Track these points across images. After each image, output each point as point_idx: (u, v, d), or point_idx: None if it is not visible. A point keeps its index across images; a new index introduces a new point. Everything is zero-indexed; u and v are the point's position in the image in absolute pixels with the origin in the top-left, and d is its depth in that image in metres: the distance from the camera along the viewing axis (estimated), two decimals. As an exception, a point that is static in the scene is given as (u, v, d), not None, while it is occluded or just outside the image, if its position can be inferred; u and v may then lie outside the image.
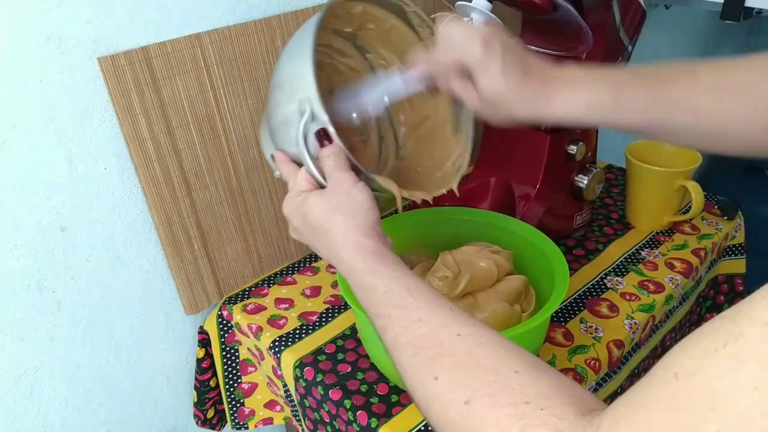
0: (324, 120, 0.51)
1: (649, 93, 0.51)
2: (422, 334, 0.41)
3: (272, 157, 0.57)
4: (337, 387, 0.69)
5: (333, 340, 0.76)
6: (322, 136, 0.51)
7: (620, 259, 0.86)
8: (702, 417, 0.25)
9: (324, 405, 0.70)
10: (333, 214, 0.49)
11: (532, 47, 0.80)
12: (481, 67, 0.51)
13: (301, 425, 0.78)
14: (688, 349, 0.27)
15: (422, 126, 0.69)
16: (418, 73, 0.56)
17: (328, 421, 0.71)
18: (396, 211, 0.61)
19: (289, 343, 0.76)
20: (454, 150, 0.67)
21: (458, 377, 0.37)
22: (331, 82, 0.67)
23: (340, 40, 0.65)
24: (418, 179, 0.67)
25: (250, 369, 0.86)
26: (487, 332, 0.40)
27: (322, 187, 0.53)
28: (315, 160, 0.52)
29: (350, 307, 0.75)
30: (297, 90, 0.52)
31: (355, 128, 0.70)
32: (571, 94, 0.52)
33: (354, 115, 0.70)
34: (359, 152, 0.70)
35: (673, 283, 0.81)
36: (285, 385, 0.78)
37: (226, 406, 0.88)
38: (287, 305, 0.83)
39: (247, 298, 0.85)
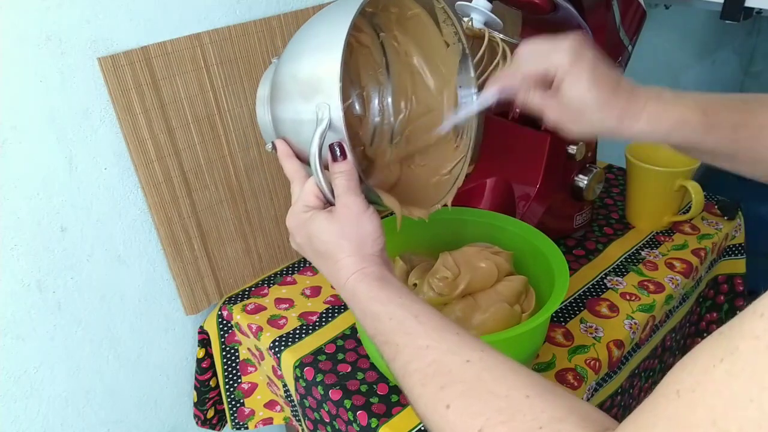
0: (342, 136, 0.49)
1: (738, 115, 0.51)
2: (430, 361, 0.40)
3: (273, 144, 0.55)
4: (337, 387, 0.69)
5: (333, 340, 0.76)
6: (337, 151, 0.49)
7: (620, 259, 0.86)
8: None
9: (324, 405, 0.70)
10: (339, 241, 0.48)
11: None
12: (570, 76, 0.50)
13: (301, 425, 0.78)
14: (687, 366, 0.28)
15: (422, 118, 0.67)
16: (498, 88, 0.54)
17: (328, 421, 0.71)
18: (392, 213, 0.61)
19: (289, 343, 0.76)
20: (452, 155, 0.65)
21: (470, 405, 0.37)
22: None
23: (358, 17, 0.64)
24: (411, 177, 0.66)
25: (250, 369, 0.86)
26: (495, 356, 0.39)
27: (329, 201, 0.51)
28: (324, 170, 0.50)
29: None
30: (318, 92, 0.49)
31: (354, 104, 0.69)
32: (661, 110, 0.51)
33: (355, 97, 0.69)
34: (354, 128, 0.68)
35: (673, 283, 0.81)
36: (285, 385, 0.78)
37: (226, 406, 0.88)
38: (287, 305, 0.83)
39: (247, 298, 0.85)
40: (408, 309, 0.44)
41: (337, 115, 0.49)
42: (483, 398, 0.37)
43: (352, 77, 0.68)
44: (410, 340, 0.42)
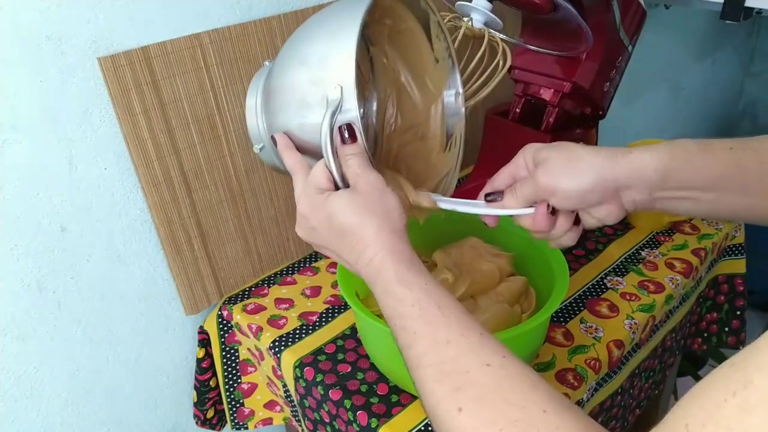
0: (354, 116, 0.48)
1: (731, 142, 0.49)
2: (449, 357, 0.39)
3: (272, 138, 0.54)
4: (337, 387, 0.69)
5: (333, 340, 0.76)
6: (347, 133, 0.48)
7: (620, 259, 0.86)
8: None
9: (324, 405, 0.70)
10: (366, 216, 0.46)
11: (532, 47, 0.79)
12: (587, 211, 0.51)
13: (300, 426, 0.78)
14: (698, 399, 0.27)
15: (408, 132, 0.66)
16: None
17: (328, 421, 0.71)
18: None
19: (289, 343, 0.76)
20: (439, 169, 0.64)
21: (483, 412, 0.36)
22: None
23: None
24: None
25: (250, 369, 0.86)
26: (516, 364, 0.38)
27: (337, 185, 0.49)
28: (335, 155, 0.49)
29: (350, 307, 0.75)
30: (328, 73, 0.48)
31: None
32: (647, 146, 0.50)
33: None
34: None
35: (673, 283, 0.81)
36: (285, 386, 0.78)
37: (225, 406, 0.88)
38: (287, 305, 0.83)
39: (247, 298, 0.85)
40: (433, 297, 0.42)
41: (350, 95, 0.47)
42: (498, 406, 0.36)
43: None
44: (430, 331, 0.41)
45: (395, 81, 0.66)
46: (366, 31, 0.63)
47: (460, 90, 0.64)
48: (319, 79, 0.49)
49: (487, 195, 0.54)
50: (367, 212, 0.46)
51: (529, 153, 0.53)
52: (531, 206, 0.52)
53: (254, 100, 0.57)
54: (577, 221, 0.53)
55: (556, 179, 0.49)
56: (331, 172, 0.49)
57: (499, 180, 0.55)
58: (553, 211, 0.50)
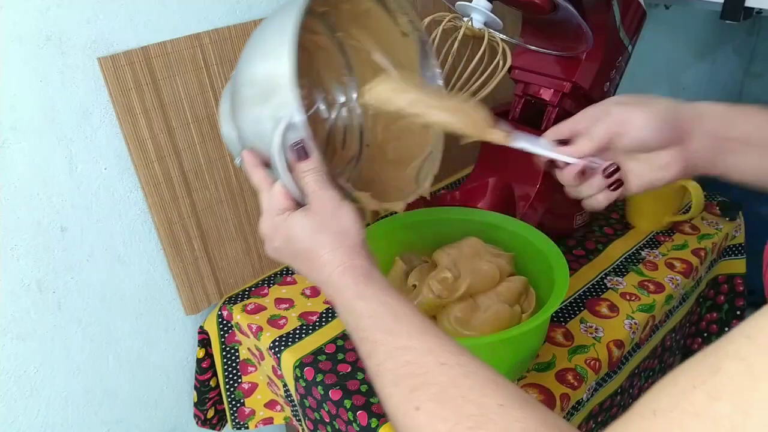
0: (304, 134, 0.48)
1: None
2: (406, 361, 0.39)
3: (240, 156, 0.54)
4: (337, 387, 0.69)
5: (333, 340, 0.76)
6: (302, 150, 0.49)
7: (620, 259, 0.86)
8: None
9: (324, 405, 0.70)
10: (320, 236, 0.47)
11: (532, 47, 0.79)
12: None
13: (301, 425, 0.79)
14: (667, 386, 0.27)
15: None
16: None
17: (328, 421, 0.71)
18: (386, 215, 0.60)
19: (289, 343, 0.76)
20: (425, 144, 0.64)
21: (440, 409, 0.36)
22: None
23: (310, 18, 0.62)
24: (384, 171, 0.65)
25: (250, 369, 0.86)
26: (474, 363, 0.38)
27: (299, 202, 0.50)
28: (291, 171, 0.50)
29: (350, 307, 0.74)
30: (273, 93, 0.49)
31: (319, 108, 0.68)
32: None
33: (321, 101, 0.68)
34: (323, 131, 0.67)
35: (673, 283, 0.81)
36: (285, 385, 0.78)
37: (226, 406, 0.88)
38: (287, 305, 0.83)
39: (247, 298, 0.85)
40: (390, 308, 0.43)
41: (296, 112, 0.48)
42: (454, 403, 0.36)
43: (315, 81, 0.67)
44: (388, 339, 0.41)
45: (369, 61, 0.66)
46: (328, 20, 0.63)
47: (433, 60, 0.64)
48: (267, 98, 0.49)
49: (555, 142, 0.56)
50: (323, 231, 0.48)
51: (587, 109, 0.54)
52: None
53: (226, 116, 0.57)
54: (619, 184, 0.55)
55: (630, 109, 0.52)
56: (289, 190, 0.50)
57: (562, 129, 0.56)
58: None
